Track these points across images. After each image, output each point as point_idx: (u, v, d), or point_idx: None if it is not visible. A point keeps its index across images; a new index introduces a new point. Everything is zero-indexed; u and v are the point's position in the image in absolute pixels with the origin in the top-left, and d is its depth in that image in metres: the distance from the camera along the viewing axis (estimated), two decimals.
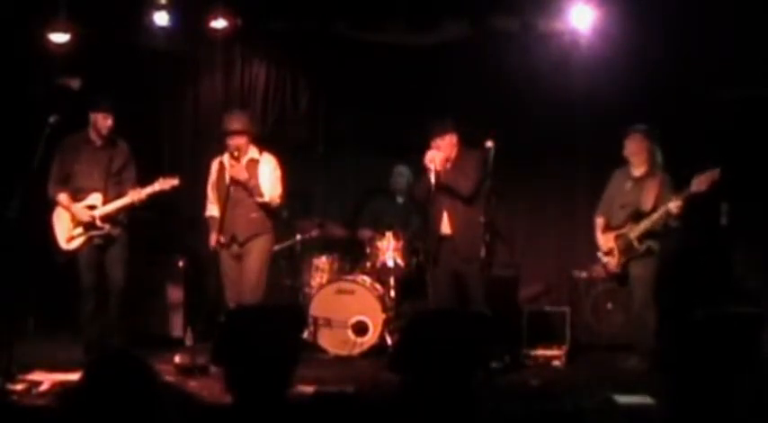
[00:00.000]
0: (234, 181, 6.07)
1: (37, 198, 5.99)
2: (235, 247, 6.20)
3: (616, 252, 6.25)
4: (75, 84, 7.35)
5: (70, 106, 6.40)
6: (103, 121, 6.17)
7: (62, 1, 6.88)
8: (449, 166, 6.09)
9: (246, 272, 6.19)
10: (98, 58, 7.26)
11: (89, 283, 6.20)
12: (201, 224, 6.54)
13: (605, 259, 6.33)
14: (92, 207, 6.16)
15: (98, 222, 6.12)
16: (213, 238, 6.17)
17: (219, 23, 7.23)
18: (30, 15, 6.96)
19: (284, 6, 7.55)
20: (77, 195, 6.19)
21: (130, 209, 6.24)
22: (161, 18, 7.21)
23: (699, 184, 5.82)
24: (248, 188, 6.13)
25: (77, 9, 6.91)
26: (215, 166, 6.34)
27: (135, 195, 6.12)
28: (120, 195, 6.18)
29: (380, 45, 7.62)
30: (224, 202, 6.04)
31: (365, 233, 7.27)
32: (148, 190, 6.13)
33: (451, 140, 6.13)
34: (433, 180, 5.98)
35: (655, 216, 6.06)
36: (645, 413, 4.61)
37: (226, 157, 6.20)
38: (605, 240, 6.33)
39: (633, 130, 6.24)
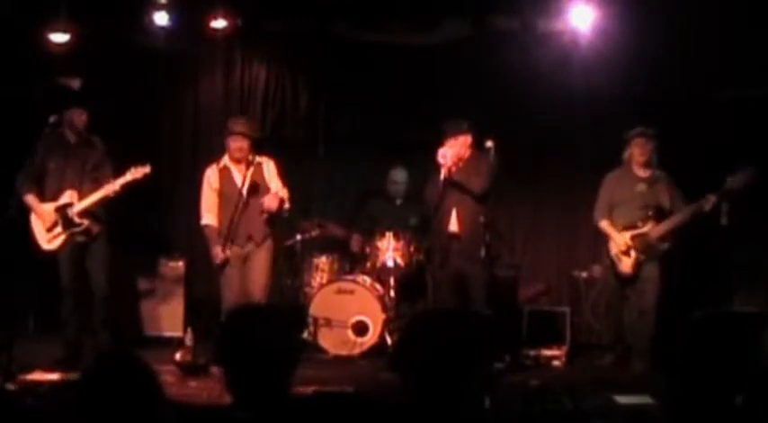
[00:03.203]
0: (269, 209, 6.02)
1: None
2: (250, 246, 6.08)
3: (633, 252, 6.14)
4: (75, 84, 7.35)
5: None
6: (79, 118, 6.05)
7: (62, 1, 6.88)
8: (461, 165, 6.10)
9: (255, 271, 6.09)
10: (98, 58, 7.27)
11: (68, 281, 6.08)
12: (200, 226, 6.53)
13: (622, 258, 6.17)
14: (68, 205, 5.98)
15: (76, 219, 5.97)
16: (218, 253, 6.00)
17: (219, 23, 7.24)
18: (30, 15, 6.96)
19: (284, 6, 7.55)
20: (53, 194, 6.05)
21: (107, 203, 6.05)
22: (161, 18, 7.21)
23: (733, 182, 5.82)
24: (282, 207, 6.09)
25: (77, 9, 6.92)
26: (215, 173, 6.14)
27: (109, 188, 5.94)
28: (95, 190, 6.00)
29: (381, 45, 7.62)
30: (236, 208, 5.95)
31: (356, 240, 7.25)
32: (121, 181, 5.93)
33: (465, 141, 6.13)
34: (443, 175, 5.99)
35: (679, 215, 6.03)
36: (645, 413, 4.62)
37: (228, 161, 6.10)
38: (621, 240, 6.17)
39: (639, 135, 6.18)
